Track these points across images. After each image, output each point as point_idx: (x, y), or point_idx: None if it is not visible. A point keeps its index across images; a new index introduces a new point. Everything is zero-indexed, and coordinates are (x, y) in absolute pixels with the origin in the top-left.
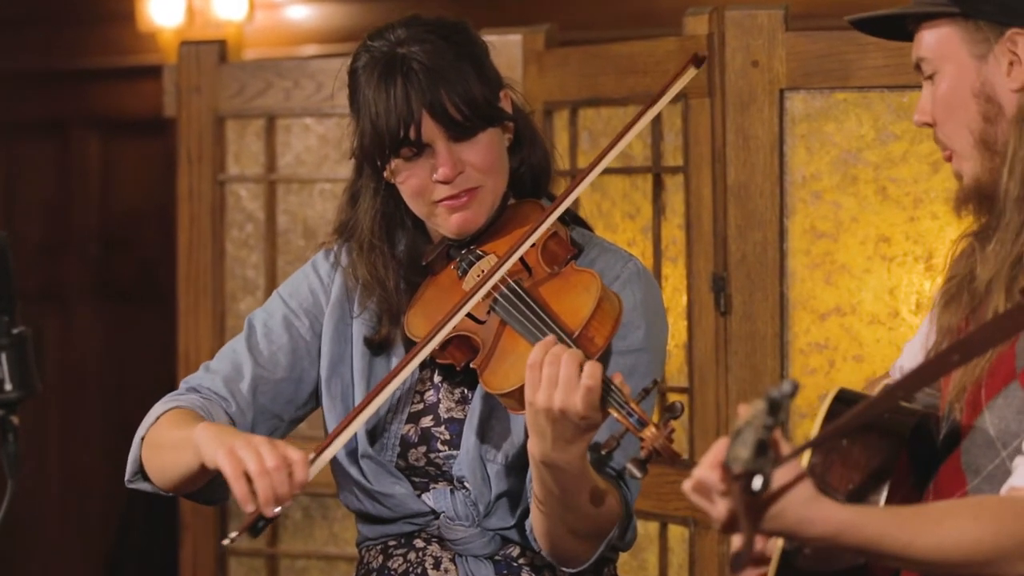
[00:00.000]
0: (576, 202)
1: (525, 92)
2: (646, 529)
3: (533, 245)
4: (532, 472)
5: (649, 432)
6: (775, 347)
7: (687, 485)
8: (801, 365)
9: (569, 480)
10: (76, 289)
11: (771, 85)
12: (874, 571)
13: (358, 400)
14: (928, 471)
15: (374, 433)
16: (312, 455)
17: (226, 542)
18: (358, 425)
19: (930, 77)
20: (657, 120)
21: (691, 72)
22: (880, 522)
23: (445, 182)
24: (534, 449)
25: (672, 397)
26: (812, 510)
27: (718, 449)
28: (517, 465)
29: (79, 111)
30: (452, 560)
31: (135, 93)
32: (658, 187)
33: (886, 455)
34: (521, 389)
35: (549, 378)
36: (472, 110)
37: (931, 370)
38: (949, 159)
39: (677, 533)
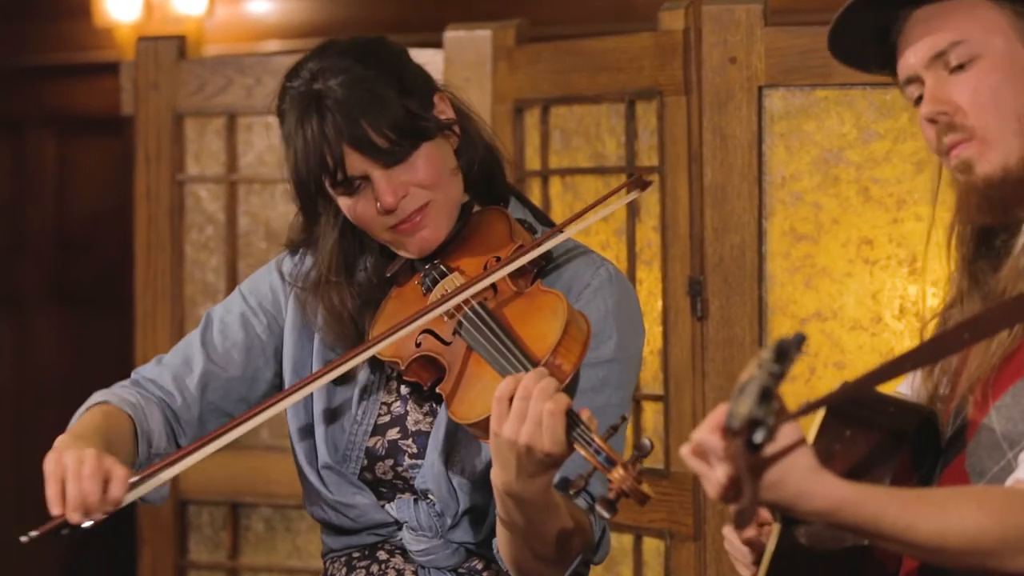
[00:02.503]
0: (547, 202)
1: (495, 89)
2: (620, 542)
3: (498, 259)
4: (496, 499)
5: (617, 473)
6: (753, 353)
7: (684, 450)
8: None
9: (533, 511)
10: (32, 292)
11: (749, 82)
12: (872, 565)
13: (317, 417)
14: (933, 473)
15: (336, 444)
16: (135, 477)
17: (24, 539)
18: (207, 450)
19: (960, 66)
20: (631, 119)
21: (635, 194)
22: (882, 501)
23: (390, 211)
24: (496, 480)
25: (647, 405)
26: (813, 482)
27: (719, 412)
28: (483, 480)
29: (34, 109)
30: (415, 572)
31: (92, 90)
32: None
33: (888, 452)
34: (487, 420)
35: (518, 412)
36: (399, 133)
37: (942, 345)
38: (950, 151)
39: (652, 546)
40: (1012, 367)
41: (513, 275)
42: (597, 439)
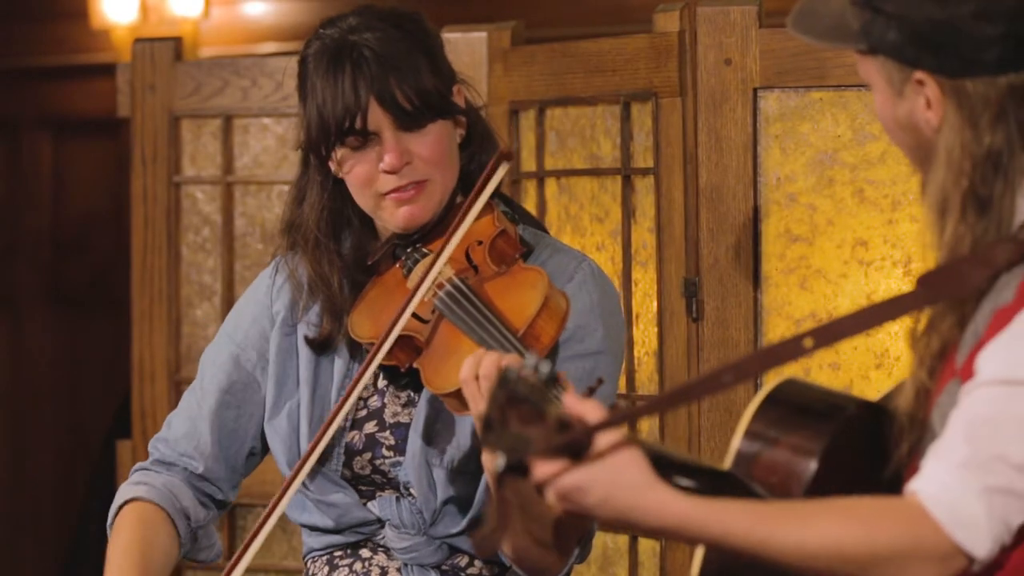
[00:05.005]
0: (543, 204)
1: (490, 91)
2: (616, 542)
3: (480, 243)
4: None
5: None
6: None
7: None
8: (775, 372)
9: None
10: (27, 294)
11: (744, 84)
12: None
13: (304, 407)
14: (895, 470)
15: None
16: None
17: None
18: (292, 491)
19: None
20: (627, 120)
21: (503, 167)
22: (729, 516)
23: (391, 172)
24: (488, 465)
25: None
26: (645, 498)
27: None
28: (464, 470)
29: (30, 111)
30: (398, 570)
31: (88, 92)
32: (628, 189)
33: (811, 446)
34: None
35: (487, 389)
36: (422, 100)
37: (778, 354)
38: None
39: (647, 546)
40: (948, 367)
41: (495, 257)
42: None
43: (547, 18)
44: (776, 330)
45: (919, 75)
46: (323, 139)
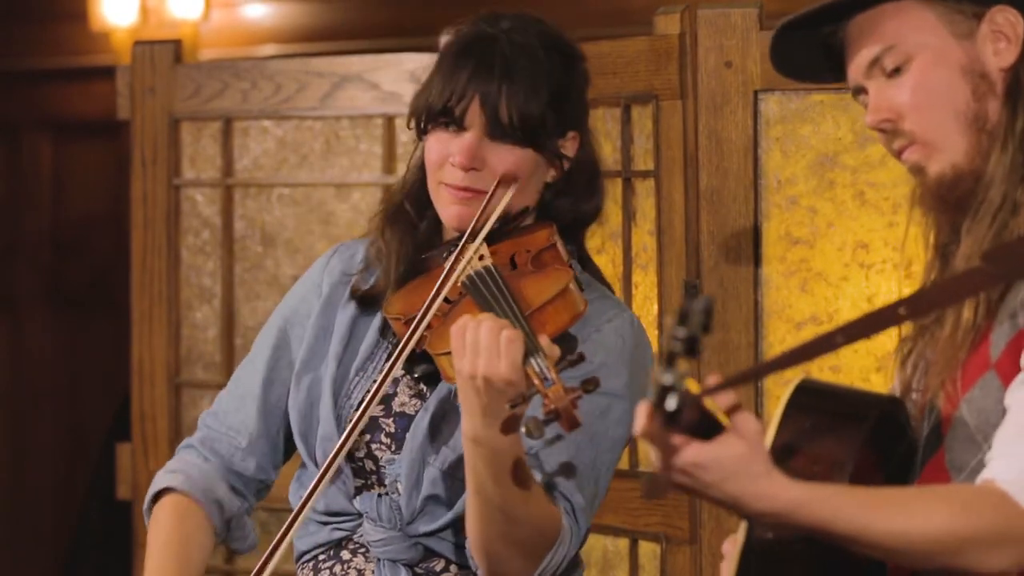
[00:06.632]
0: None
1: None
2: (616, 546)
3: (528, 251)
4: (466, 460)
5: (553, 392)
6: (749, 357)
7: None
8: (776, 376)
9: (500, 466)
10: (27, 295)
11: (745, 86)
12: (841, 553)
13: (326, 381)
14: (909, 467)
15: (335, 418)
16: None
17: None
18: (323, 487)
19: (896, 70)
20: (627, 123)
21: (501, 192)
22: (835, 502)
23: (459, 167)
24: (465, 427)
25: None
26: (761, 485)
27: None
28: (454, 474)
29: (30, 113)
30: (373, 572)
31: (88, 94)
32: (628, 192)
33: (850, 443)
34: None
35: (472, 344)
36: (521, 121)
37: (877, 320)
38: (901, 153)
39: (648, 550)
40: (978, 359)
41: (535, 263)
42: (552, 369)
43: (548, 20)
44: (776, 333)
45: (996, 8)
46: (424, 112)
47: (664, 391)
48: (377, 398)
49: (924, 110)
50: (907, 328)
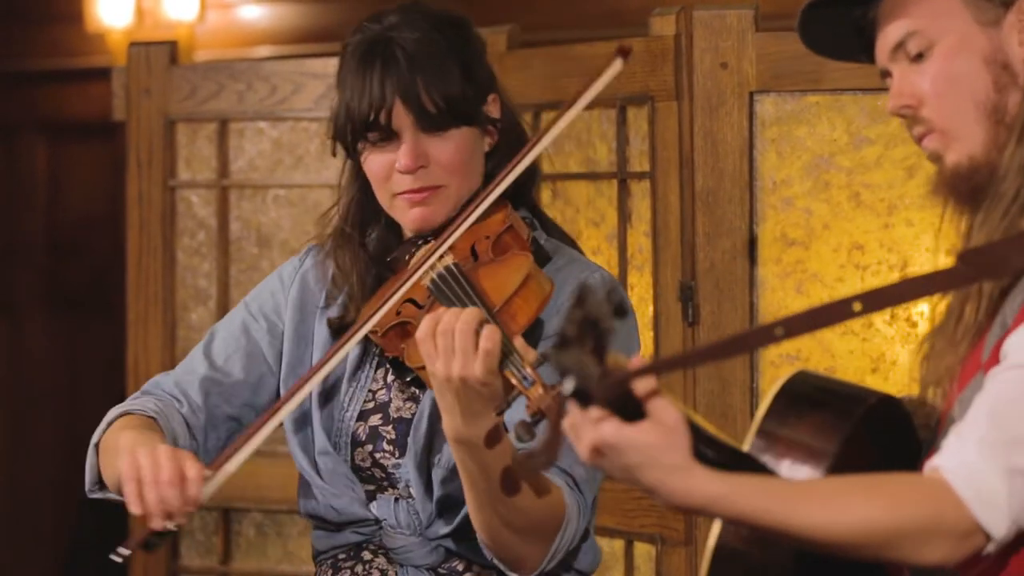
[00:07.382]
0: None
1: None
2: (611, 547)
3: (487, 237)
4: (455, 458)
5: (535, 392)
6: (744, 359)
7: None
8: (771, 377)
9: (489, 461)
10: (24, 297)
11: (740, 87)
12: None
13: (315, 393)
14: (907, 465)
15: (328, 431)
16: (208, 471)
17: (115, 557)
18: (264, 433)
19: (919, 55)
20: (623, 124)
21: (618, 64)
22: (757, 496)
23: (406, 172)
24: (447, 429)
25: None
26: (678, 478)
27: None
28: (458, 471)
29: (26, 114)
30: (396, 574)
31: (83, 96)
32: (624, 193)
33: (827, 437)
34: None
35: (444, 349)
36: (448, 105)
37: (825, 314)
38: (921, 140)
39: (644, 551)
40: (974, 359)
41: (497, 249)
42: (528, 366)
43: (543, 22)
44: None
45: None
46: (348, 131)
47: (563, 374)
48: (324, 370)
49: (944, 98)
50: (928, 326)
